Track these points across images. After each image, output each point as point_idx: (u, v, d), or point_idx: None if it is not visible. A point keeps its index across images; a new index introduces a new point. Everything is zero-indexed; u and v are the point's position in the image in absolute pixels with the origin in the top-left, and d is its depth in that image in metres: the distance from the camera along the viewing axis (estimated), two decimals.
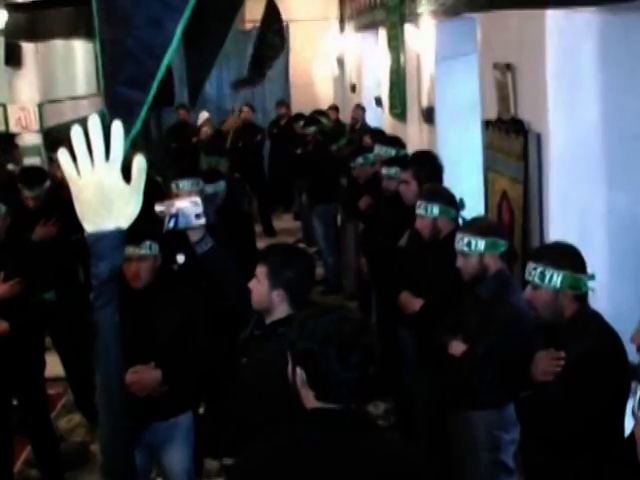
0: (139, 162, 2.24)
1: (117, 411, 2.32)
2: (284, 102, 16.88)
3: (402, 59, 10.81)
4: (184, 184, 6.46)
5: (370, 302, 8.02)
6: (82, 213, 2.23)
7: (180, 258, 4.98)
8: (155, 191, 7.18)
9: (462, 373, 4.87)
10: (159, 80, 2.31)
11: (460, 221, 5.75)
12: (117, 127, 2.18)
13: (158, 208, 4.24)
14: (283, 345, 3.85)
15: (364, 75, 15.01)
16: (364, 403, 2.86)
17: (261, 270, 4.12)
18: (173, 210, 4.19)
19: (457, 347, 4.87)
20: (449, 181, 6.56)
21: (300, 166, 12.19)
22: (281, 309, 4.09)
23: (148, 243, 5.04)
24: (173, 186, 6.49)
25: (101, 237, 2.22)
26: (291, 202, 15.42)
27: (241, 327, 4.55)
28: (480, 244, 4.77)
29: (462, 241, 4.88)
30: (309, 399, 2.84)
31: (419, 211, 5.73)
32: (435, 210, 5.66)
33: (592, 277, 4.13)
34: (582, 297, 4.13)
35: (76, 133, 2.15)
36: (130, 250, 4.90)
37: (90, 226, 2.22)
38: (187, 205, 4.23)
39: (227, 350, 4.67)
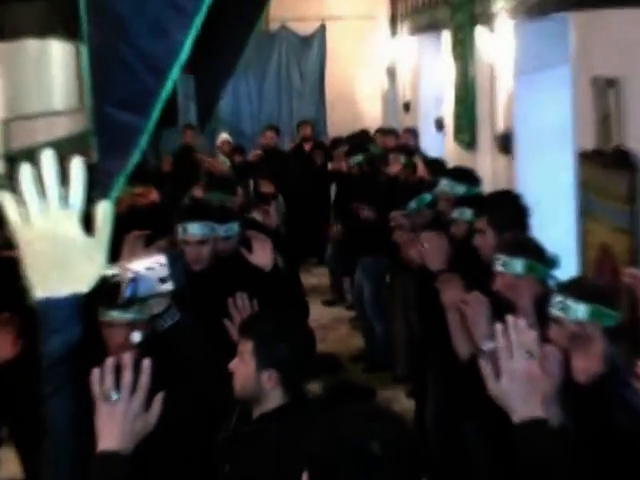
0: (105, 210, 2.22)
1: None
2: (309, 122, 16.87)
3: (472, 71, 10.87)
4: (194, 228, 6.44)
5: (425, 385, 7.97)
6: (31, 273, 2.22)
7: (136, 336, 4.86)
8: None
9: None
10: (163, 101, 2.31)
11: (552, 283, 5.70)
12: (77, 164, 2.17)
13: (109, 271, 4.12)
14: (277, 446, 3.83)
15: (421, 91, 15.08)
16: None
17: (246, 346, 4.06)
18: (130, 274, 4.03)
19: None
20: (531, 231, 6.55)
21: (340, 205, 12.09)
22: (273, 396, 4.04)
23: (137, 307, 4.98)
24: (179, 230, 6.44)
25: (54, 305, 2.21)
26: (324, 251, 15.17)
27: (218, 424, 4.51)
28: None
29: (559, 304, 4.81)
30: None
31: (497, 268, 5.68)
32: (518, 267, 5.62)
33: None
34: None
35: (25, 172, 2.15)
36: (115, 315, 4.88)
37: (41, 290, 2.22)
38: (149, 266, 4.10)
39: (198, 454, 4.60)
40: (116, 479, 2.65)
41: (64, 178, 2.16)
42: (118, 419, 2.69)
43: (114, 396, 2.71)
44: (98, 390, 2.72)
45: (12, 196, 2.16)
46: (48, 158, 2.13)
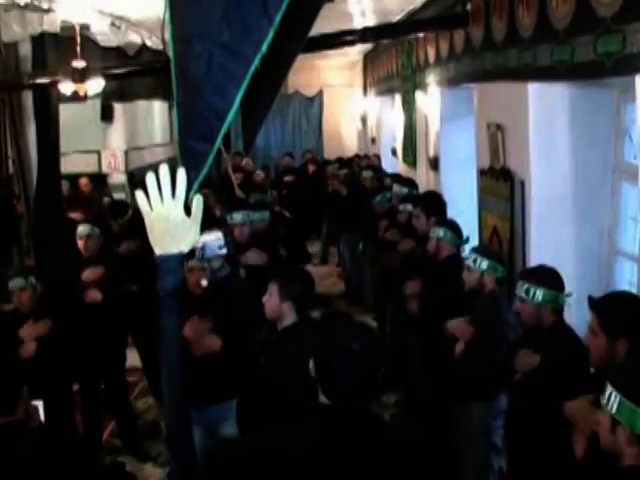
0: (198, 201, 2.26)
1: (178, 397, 2.31)
2: (310, 150, 16.84)
3: (413, 118, 10.86)
4: (237, 216, 6.50)
5: (384, 313, 7.99)
6: (153, 240, 2.25)
7: (204, 282, 4.96)
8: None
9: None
10: (222, 136, 2.34)
11: (462, 251, 5.75)
12: (181, 173, 2.20)
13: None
14: (292, 346, 3.87)
15: (382, 130, 15.03)
16: (370, 399, 2.68)
17: (272, 287, 4.11)
18: (200, 244, 4.17)
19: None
20: (451, 217, 6.57)
21: (332, 201, 12.05)
22: (289, 317, 4.08)
23: (205, 262, 5.02)
24: (228, 218, 6.52)
25: (167, 258, 2.23)
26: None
27: (254, 333, 4.59)
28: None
29: (471, 258, 4.91)
30: (320, 395, 2.67)
31: (431, 235, 5.78)
32: (441, 233, 5.69)
33: (569, 294, 4.08)
34: (559, 311, 4.09)
35: (150, 178, 2.19)
36: (193, 263, 4.92)
37: (159, 249, 2.24)
38: (212, 239, 4.22)
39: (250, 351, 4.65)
40: None
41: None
42: None
43: None
44: None
45: (142, 193, 2.20)
46: (164, 170, 2.17)
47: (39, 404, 3.87)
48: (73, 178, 10.90)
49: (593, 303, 3.48)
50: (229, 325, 4.96)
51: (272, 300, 4.10)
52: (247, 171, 13.62)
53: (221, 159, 14.79)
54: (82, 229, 6.44)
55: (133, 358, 7.21)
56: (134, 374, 7.51)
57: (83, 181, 11.09)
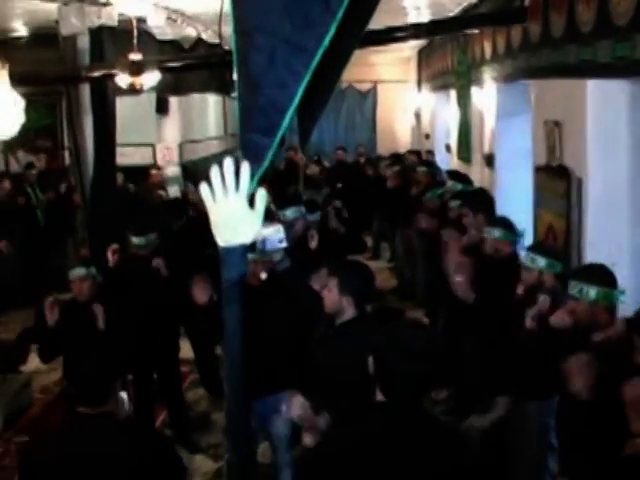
0: (261, 194, 2.28)
1: (239, 388, 2.32)
2: (362, 144, 16.78)
3: (468, 115, 10.82)
4: (288, 213, 6.49)
5: (436, 309, 7.94)
6: (217, 232, 2.26)
7: (263, 275, 4.96)
8: None
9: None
10: (283, 131, 2.35)
11: (518, 247, 5.71)
12: (245, 166, 2.21)
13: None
14: (351, 341, 3.88)
15: (437, 126, 14.99)
16: (422, 396, 2.71)
17: (332, 281, 4.13)
18: (260, 237, 4.18)
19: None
20: (506, 215, 6.54)
21: (385, 197, 12.01)
22: (349, 312, 4.10)
23: (265, 254, 5.03)
24: (280, 215, 6.49)
25: (231, 250, 2.24)
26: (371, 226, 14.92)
27: (312, 326, 4.62)
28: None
29: (528, 257, 4.88)
30: (377, 392, 2.73)
31: (485, 235, 5.75)
32: (496, 233, 5.66)
33: (622, 292, 4.04)
34: (613, 308, 4.05)
35: (214, 171, 2.21)
36: (252, 256, 4.92)
37: (223, 242, 2.25)
38: (272, 232, 4.24)
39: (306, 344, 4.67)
40: None
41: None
42: None
43: None
44: None
45: (206, 185, 2.22)
46: (228, 163, 2.19)
47: (124, 396, 3.99)
48: (128, 170, 11.06)
49: (632, 324, 3.45)
50: (288, 318, 4.98)
51: (332, 295, 4.12)
52: (300, 166, 13.65)
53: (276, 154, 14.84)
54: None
55: (185, 349, 7.31)
56: (185, 365, 7.61)
57: (154, 172, 11.31)
